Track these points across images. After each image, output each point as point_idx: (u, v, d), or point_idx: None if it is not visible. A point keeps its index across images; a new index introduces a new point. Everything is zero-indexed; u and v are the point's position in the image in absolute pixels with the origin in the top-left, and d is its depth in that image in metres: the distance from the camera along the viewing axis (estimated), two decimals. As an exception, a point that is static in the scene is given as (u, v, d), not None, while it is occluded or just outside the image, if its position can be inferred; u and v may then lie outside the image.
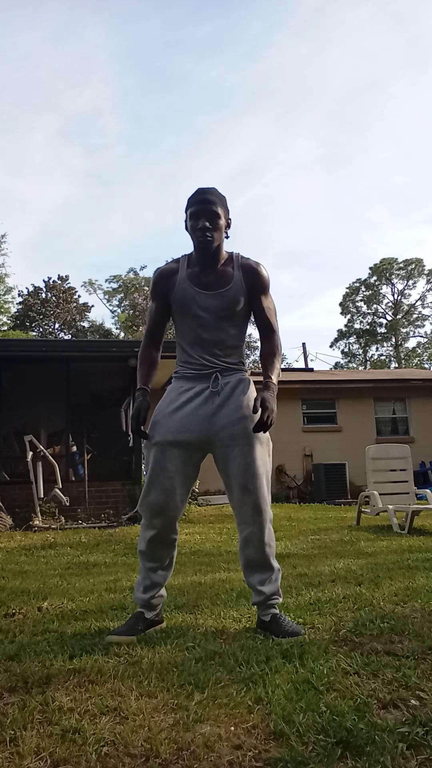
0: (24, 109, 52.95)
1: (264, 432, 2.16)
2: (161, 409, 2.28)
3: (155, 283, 2.35)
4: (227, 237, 2.32)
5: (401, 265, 40.05)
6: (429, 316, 40.27)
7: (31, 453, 7.52)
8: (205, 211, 2.21)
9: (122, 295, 36.35)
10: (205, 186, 2.28)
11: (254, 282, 2.29)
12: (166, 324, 2.41)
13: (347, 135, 58.35)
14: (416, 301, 40.32)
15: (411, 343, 41.41)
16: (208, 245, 2.22)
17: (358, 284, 41.58)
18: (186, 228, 2.30)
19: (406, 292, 40.72)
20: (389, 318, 40.90)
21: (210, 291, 2.25)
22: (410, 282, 40.38)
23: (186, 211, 2.28)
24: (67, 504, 7.56)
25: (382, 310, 41.26)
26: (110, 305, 37.60)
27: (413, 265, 39.66)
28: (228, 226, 2.30)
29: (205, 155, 57.82)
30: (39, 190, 56.07)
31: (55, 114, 54.42)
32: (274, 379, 2.23)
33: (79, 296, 36.51)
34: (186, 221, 2.28)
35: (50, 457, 7.75)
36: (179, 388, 2.29)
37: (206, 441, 2.23)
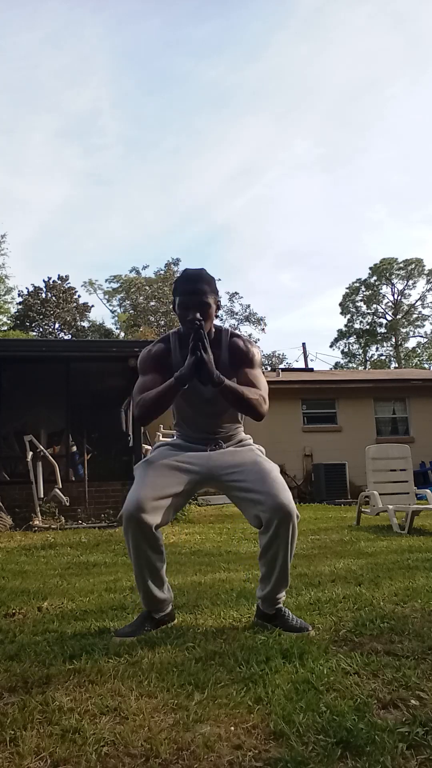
0: (23, 110, 53.00)
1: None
2: (158, 452, 2.29)
3: (146, 363, 2.25)
4: (217, 317, 2.26)
5: (401, 265, 40.07)
6: (429, 316, 40.32)
7: (31, 453, 7.52)
8: (195, 302, 2.12)
9: (122, 294, 36.36)
10: (192, 269, 2.20)
11: (241, 360, 2.22)
12: None
13: (347, 135, 58.42)
14: (416, 301, 40.37)
15: (411, 343, 41.47)
16: (199, 334, 2.12)
17: (358, 284, 41.60)
18: (174, 309, 2.23)
19: (406, 292, 40.78)
20: (389, 318, 40.91)
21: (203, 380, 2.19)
22: (410, 282, 40.43)
23: (174, 296, 2.20)
24: (67, 504, 7.56)
25: (382, 310, 41.28)
26: (110, 305, 37.63)
27: (413, 265, 39.68)
28: (218, 309, 2.22)
29: (204, 155, 57.86)
30: (38, 191, 56.12)
31: (55, 114, 54.46)
32: (227, 383, 2.09)
33: (79, 296, 36.52)
34: (174, 304, 2.21)
35: (50, 457, 7.75)
36: (176, 446, 2.31)
37: (208, 473, 2.23)
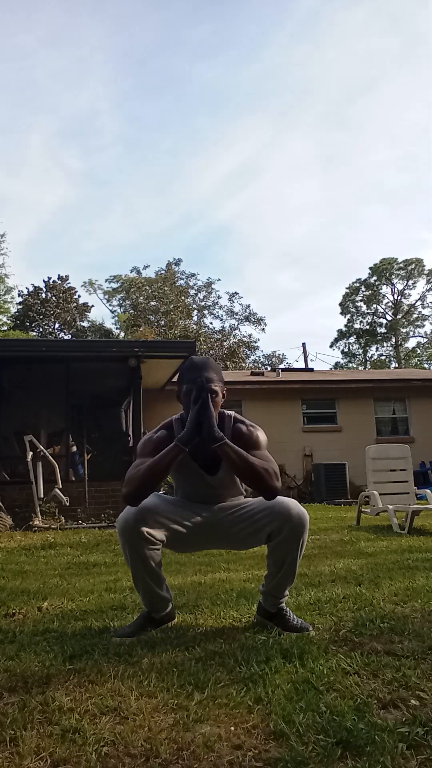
0: (21, 111, 52.94)
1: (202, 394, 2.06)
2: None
3: (146, 447, 2.20)
4: (223, 397, 2.22)
5: (401, 265, 40.05)
6: (429, 316, 40.31)
7: (31, 453, 7.52)
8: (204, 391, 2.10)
9: (122, 295, 36.36)
10: (198, 358, 2.19)
11: (245, 444, 2.14)
12: None
13: (345, 136, 58.37)
14: (416, 301, 40.35)
15: (411, 343, 41.46)
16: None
17: (358, 284, 41.59)
18: (178, 397, 2.20)
19: (406, 292, 40.76)
20: (389, 318, 40.91)
21: (206, 466, 2.20)
22: (410, 282, 40.41)
23: (180, 384, 2.19)
24: (67, 504, 7.57)
25: (382, 310, 41.28)
26: (110, 305, 37.62)
27: (413, 265, 39.67)
28: (224, 397, 2.19)
29: (202, 155, 57.77)
30: (37, 191, 56.08)
31: (53, 115, 54.42)
32: (229, 442, 2.05)
33: (79, 296, 36.50)
34: (179, 392, 2.19)
35: (50, 457, 7.75)
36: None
37: (211, 518, 2.23)
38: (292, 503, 2.10)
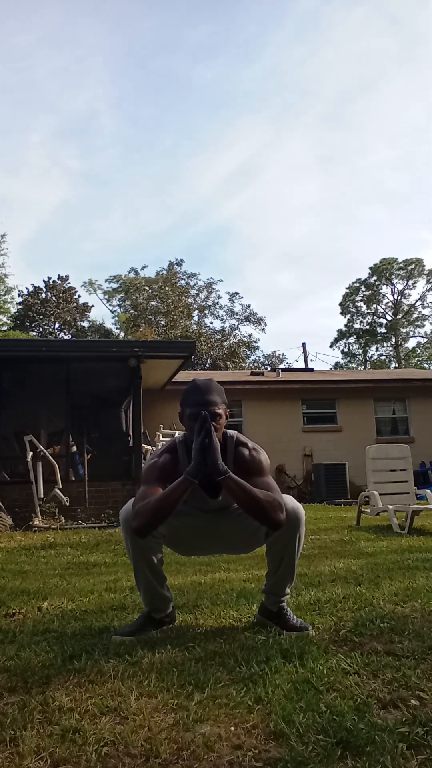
0: (20, 111, 52.93)
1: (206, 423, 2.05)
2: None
3: (151, 473, 2.16)
4: (227, 417, 2.20)
5: (401, 265, 40.05)
6: (429, 316, 40.30)
7: (31, 453, 7.52)
8: (208, 414, 2.08)
9: (122, 295, 36.34)
10: (201, 380, 2.18)
11: (248, 470, 2.14)
12: None
13: (344, 136, 58.36)
14: (416, 301, 40.34)
15: (411, 343, 41.45)
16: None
17: (357, 284, 41.59)
18: (181, 420, 2.19)
19: (406, 292, 40.75)
20: (389, 318, 40.91)
21: (209, 489, 2.19)
22: (410, 282, 40.40)
23: (183, 407, 2.16)
24: (67, 504, 7.56)
25: (382, 310, 41.27)
26: (110, 305, 37.61)
27: (413, 265, 39.66)
28: (227, 419, 2.18)
29: (202, 156, 57.77)
30: (37, 191, 56.07)
31: (52, 115, 54.42)
32: (233, 475, 2.02)
33: (79, 296, 36.50)
34: (182, 416, 2.17)
35: (50, 457, 7.75)
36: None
37: (212, 519, 2.25)
38: (287, 499, 2.12)
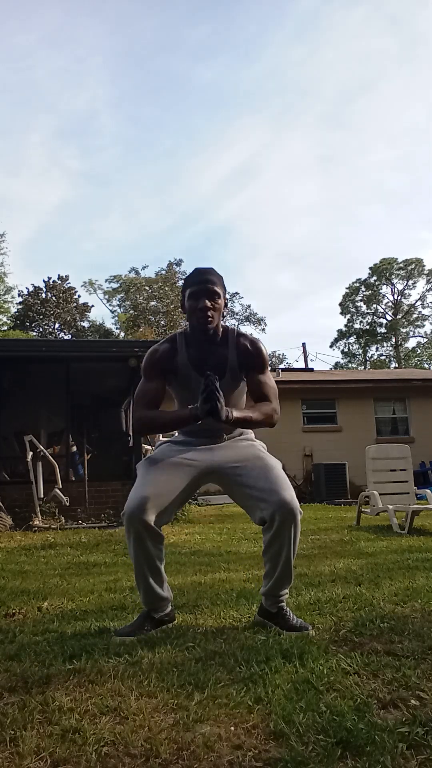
0: (20, 111, 53.00)
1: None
2: (161, 450, 2.30)
3: (152, 364, 2.27)
4: (223, 317, 2.31)
5: (401, 265, 40.07)
6: (429, 316, 40.34)
7: (31, 453, 7.51)
8: (206, 291, 2.18)
9: (122, 295, 36.35)
10: (202, 267, 2.27)
11: (249, 361, 2.26)
12: (162, 400, 2.33)
13: (344, 136, 58.39)
14: (416, 301, 40.38)
15: (411, 343, 41.47)
16: (208, 326, 2.19)
17: (357, 284, 41.60)
18: (182, 308, 2.27)
19: (406, 292, 40.78)
20: (389, 318, 40.91)
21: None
22: (410, 282, 40.45)
23: (184, 291, 2.25)
24: (67, 504, 7.56)
25: (382, 310, 41.29)
26: (110, 305, 37.62)
27: (413, 265, 39.69)
28: (226, 305, 2.29)
29: (201, 156, 57.89)
30: (36, 191, 56.15)
31: (52, 115, 54.47)
32: (235, 414, 2.10)
33: (79, 296, 36.51)
34: (183, 301, 2.26)
35: (50, 457, 7.75)
36: (179, 439, 2.33)
37: (210, 468, 2.24)
38: (287, 495, 2.09)
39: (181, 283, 34.13)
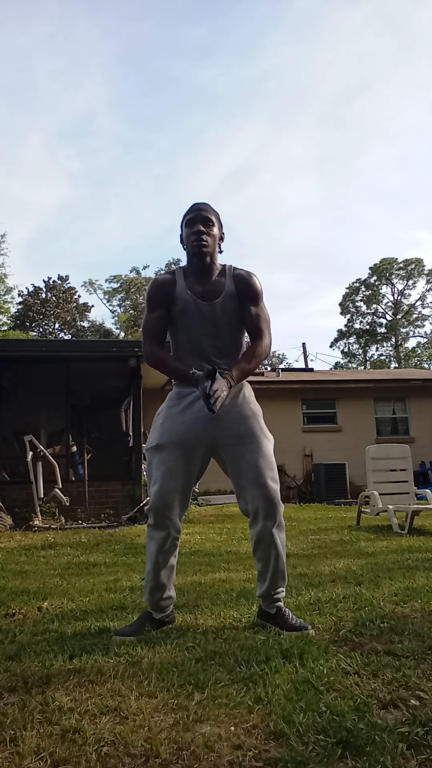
0: (19, 111, 53.02)
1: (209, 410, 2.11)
2: (163, 414, 2.32)
3: (154, 293, 2.37)
4: (221, 251, 2.39)
5: (401, 265, 40.06)
6: (429, 316, 40.32)
7: (31, 453, 7.51)
8: (200, 217, 2.31)
9: (122, 295, 36.35)
10: (198, 202, 2.38)
11: (245, 291, 2.35)
12: (167, 330, 2.41)
13: (342, 136, 58.40)
14: (416, 301, 40.37)
15: (411, 343, 41.46)
16: (202, 250, 2.28)
17: (357, 284, 41.59)
18: (181, 242, 2.39)
19: (406, 292, 40.76)
20: (389, 318, 40.90)
21: (206, 301, 2.30)
22: (410, 282, 40.42)
23: (182, 225, 2.37)
24: (67, 504, 7.56)
25: (382, 310, 41.27)
26: (110, 305, 37.61)
27: (413, 265, 39.68)
28: (221, 238, 2.39)
29: (200, 156, 57.96)
30: (36, 192, 56.15)
31: (51, 116, 54.49)
32: (234, 373, 2.22)
33: (79, 296, 36.51)
34: (181, 235, 2.37)
35: (50, 457, 7.74)
36: (179, 393, 2.33)
37: (211, 442, 2.26)
38: (269, 491, 2.16)
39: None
